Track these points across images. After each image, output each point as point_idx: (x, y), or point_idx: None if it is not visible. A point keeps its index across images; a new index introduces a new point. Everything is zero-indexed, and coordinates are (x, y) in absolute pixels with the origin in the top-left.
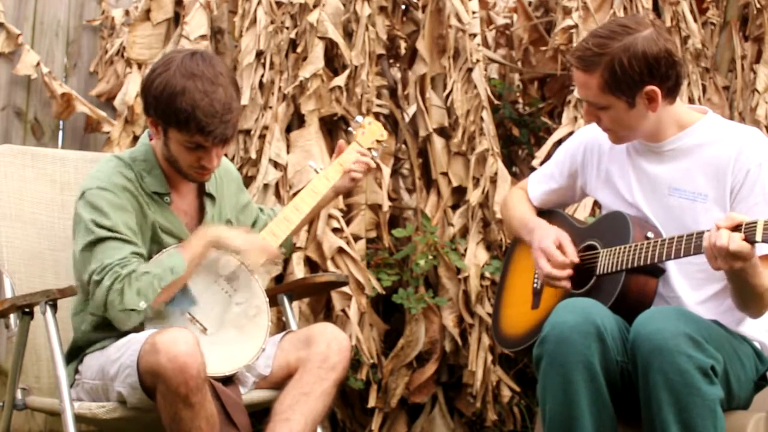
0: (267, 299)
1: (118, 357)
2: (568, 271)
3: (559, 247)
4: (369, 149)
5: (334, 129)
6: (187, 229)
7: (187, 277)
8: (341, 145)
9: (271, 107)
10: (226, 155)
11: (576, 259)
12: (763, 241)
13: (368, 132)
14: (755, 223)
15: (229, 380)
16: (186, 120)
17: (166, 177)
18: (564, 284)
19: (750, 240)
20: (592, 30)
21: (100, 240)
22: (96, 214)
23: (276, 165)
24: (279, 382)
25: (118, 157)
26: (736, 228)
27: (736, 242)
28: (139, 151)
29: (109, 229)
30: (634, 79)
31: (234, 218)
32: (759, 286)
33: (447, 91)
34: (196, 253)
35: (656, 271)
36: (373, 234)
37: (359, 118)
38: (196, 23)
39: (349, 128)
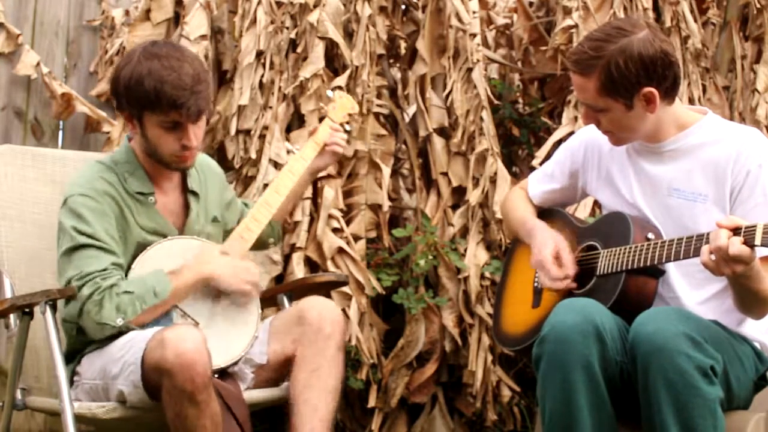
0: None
1: (122, 355)
2: (567, 281)
3: (557, 256)
4: (341, 124)
5: None
6: (174, 228)
7: (170, 304)
8: (315, 127)
9: (271, 107)
10: (213, 157)
11: (571, 272)
12: (762, 245)
13: (339, 106)
14: (755, 226)
15: (227, 375)
16: (157, 97)
17: (149, 177)
18: (567, 287)
19: (749, 243)
20: (587, 33)
21: (80, 247)
22: (77, 221)
23: (276, 165)
24: (278, 368)
25: (99, 161)
26: (736, 230)
27: (736, 246)
28: (120, 153)
29: (90, 236)
30: (631, 81)
31: (220, 215)
32: (762, 291)
33: (447, 91)
34: (185, 285)
35: (656, 272)
36: (373, 234)
37: (330, 93)
38: (196, 23)
39: (320, 103)
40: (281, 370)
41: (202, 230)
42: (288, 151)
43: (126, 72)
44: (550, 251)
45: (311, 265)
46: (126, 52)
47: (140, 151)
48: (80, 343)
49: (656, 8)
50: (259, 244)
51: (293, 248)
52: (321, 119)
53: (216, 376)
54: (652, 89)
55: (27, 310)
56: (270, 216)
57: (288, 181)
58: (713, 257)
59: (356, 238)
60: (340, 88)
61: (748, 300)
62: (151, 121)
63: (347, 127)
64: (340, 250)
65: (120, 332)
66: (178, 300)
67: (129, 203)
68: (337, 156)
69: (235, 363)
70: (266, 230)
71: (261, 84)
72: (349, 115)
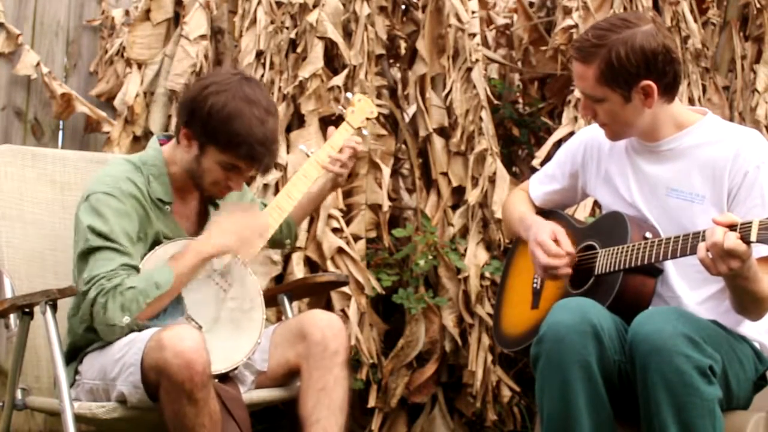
0: (261, 291)
1: (122, 356)
2: (566, 260)
3: (555, 240)
4: (359, 128)
5: None
6: (186, 234)
7: (176, 292)
8: (331, 131)
9: None
10: None
11: (571, 250)
12: (758, 241)
13: (358, 110)
14: (750, 223)
15: (227, 378)
16: (238, 143)
17: (172, 184)
18: (563, 272)
19: (745, 240)
20: (593, 23)
21: (94, 249)
22: (95, 220)
23: (276, 165)
24: (281, 379)
25: (128, 160)
26: (732, 227)
27: (732, 240)
28: (149, 156)
29: (105, 237)
30: (630, 72)
31: None
32: (759, 291)
33: (447, 91)
34: (188, 267)
35: (654, 271)
36: (373, 234)
37: (349, 95)
38: (196, 23)
39: (339, 106)
40: (282, 380)
41: None
42: (306, 154)
43: (217, 101)
44: (548, 234)
45: (311, 265)
46: (216, 74)
47: (177, 162)
48: (84, 341)
49: (656, 8)
50: (275, 245)
51: (293, 248)
52: (322, 118)
53: (216, 379)
54: (651, 83)
55: (27, 310)
56: (282, 220)
57: (302, 186)
58: (710, 254)
59: (356, 238)
60: (339, 88)
61: (745, 301)
62: (214, 156)
63: (364, 132)
64: (340, 250)
65: (130, 330)
66: (184, 284)
67: (151, 206)
68: (346, 168)
69: (236, 368)
70: (284, 231)
71: None
72: (367, 118)
